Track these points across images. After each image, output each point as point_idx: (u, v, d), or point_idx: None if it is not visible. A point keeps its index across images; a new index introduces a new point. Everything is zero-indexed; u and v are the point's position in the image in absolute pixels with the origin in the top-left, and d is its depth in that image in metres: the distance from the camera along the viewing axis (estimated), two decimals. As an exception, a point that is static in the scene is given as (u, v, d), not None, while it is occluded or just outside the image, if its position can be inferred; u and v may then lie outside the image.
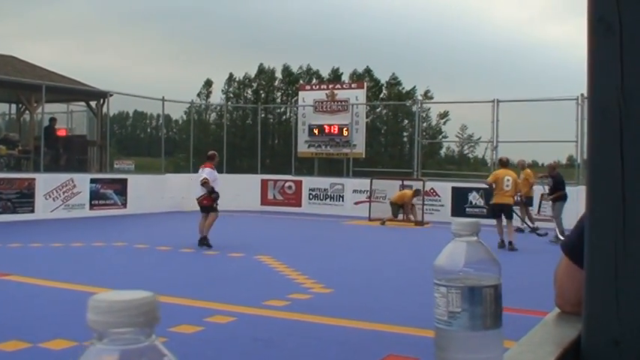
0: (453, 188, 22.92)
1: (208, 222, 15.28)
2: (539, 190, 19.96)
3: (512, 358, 1.14)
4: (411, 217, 22.40)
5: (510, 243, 15.72)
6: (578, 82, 16.34)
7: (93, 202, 23.23)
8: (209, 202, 15.24)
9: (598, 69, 1.23)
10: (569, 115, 22.77)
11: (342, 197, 26.38)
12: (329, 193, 26.62)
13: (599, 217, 1.22)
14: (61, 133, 27.85)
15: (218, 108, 50.98)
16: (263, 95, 56.06)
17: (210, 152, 16.27)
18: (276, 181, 28.01)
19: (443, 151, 50.80)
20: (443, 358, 1.01)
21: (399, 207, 22.50)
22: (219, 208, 15.42)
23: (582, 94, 21.57)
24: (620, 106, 1.18)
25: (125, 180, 24.61)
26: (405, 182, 24.33)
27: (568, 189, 17.68)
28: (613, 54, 1.19)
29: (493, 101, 24.60)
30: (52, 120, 25.31)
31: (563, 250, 1.55)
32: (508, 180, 16.00)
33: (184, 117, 40.12)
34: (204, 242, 15.24)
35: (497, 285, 1.03)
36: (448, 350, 1.01)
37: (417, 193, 22.80)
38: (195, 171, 28.29)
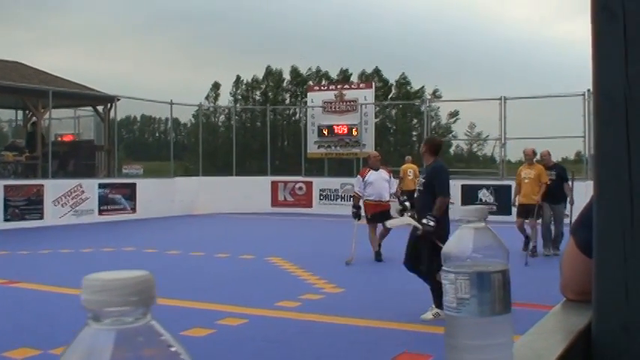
0: (463, 186, 22.80)
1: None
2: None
3: (524, 345, 1.14)
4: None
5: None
6: (584, 78, 16.32)
7: (102, 208, 23.23)
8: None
9: (602, 57, 1.23)
10: (577, 111, 22.87)
11: (353, 197, 26.29)
12: (339, 194, 26.55)
13: (607, 204, 1.22)
14: (68, 138, 27.94)
15: (226, 110, 50.89)
16: (271, 97, 56.00)
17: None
18: (286, 182, 27.98)
19: (452, 150, 50.55)
20: (453, 345, 1.02)
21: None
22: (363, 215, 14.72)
23: (589, 90, 21.55)
24: (626, 94, 1.18)
25: (134, 184, 24.63)
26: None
27: (577, 184, 16.79)
28: (617, 42, 1.19)
29: (500, 99, 24.59)
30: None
31: (572, 234, 1.55)
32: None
33: (193, 120, 40.10)
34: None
35: (505, 270, 1.03)
36: (458, 337, 1.01)
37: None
38: (204, 174, 28.56)
